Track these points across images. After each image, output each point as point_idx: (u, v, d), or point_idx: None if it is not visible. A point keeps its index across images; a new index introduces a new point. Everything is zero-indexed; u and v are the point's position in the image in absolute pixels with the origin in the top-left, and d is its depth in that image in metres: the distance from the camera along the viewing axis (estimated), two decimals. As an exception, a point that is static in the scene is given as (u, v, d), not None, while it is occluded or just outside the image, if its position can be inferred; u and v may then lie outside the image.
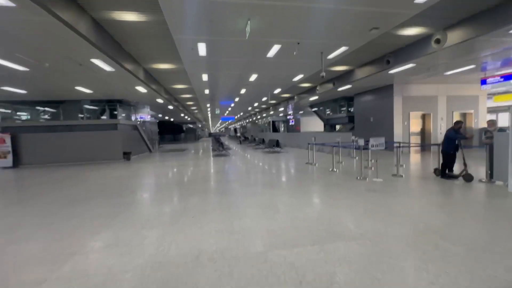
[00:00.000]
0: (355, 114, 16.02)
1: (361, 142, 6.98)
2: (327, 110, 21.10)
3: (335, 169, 8.36)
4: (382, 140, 6.84)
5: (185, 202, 5.37)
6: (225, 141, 35.48)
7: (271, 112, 28.97)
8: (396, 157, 7.68)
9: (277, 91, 16.07)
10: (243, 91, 15.88)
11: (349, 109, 18.18)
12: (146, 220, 4.41)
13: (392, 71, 9.99)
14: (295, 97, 18.66)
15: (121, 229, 3.95)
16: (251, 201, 5.28)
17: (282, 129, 43.45)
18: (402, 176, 7.22)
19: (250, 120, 45.43)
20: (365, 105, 15.00)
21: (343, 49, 8.30)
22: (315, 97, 17.25)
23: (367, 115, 14.86)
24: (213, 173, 8.56)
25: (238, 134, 40.67)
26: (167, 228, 4.00)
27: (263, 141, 19.30)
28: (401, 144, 8.70)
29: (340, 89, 13.83)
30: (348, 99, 17.88)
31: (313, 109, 23.63)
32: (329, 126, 20.67)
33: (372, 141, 6.73)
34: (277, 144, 15.35)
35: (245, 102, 22.28)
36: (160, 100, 16.49)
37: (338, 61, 10.18)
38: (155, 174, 9.06)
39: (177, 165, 11.36)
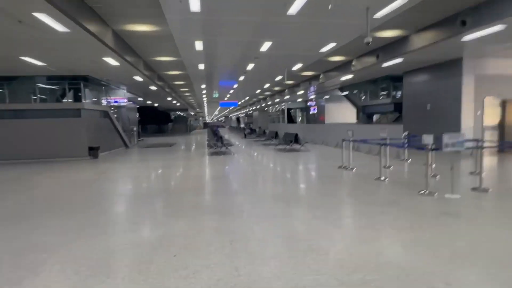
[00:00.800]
0: (404, 100, 14.94)
1: (429, 139, 5.96)
2: (363, 94, 20.00)
3: (382, 177, 7.39)
4: (461, 137, 5.80)
5: (165, 228, 4.48)
6: (225, 133, 34.77)
7: (287, 97, 27.99)
8: (477, 162, 6.64)
9: (297, 67, 15.11)
10: (250, 66, 14.98)
11: (395, 93, 17.10)
12: (98, 259, 3.52)
13: (466, 38, 8.83)
14: (321, 76, 17.62)
15: (54, 279, 3.08)
16: (266, 228, 4.35)
17: (300, 119, 42.36)
18: (487, 190, 6.19)
19: (258, 107, 44.56)
20: (419, 87, 13.89)
21: (399, 2, 7.23)
22: (349, 76, 16.18)
23: (421, 102, 13.75)
24: (208, 181, 7.73)
25: (243, 125, 39.85)
26: (131, 276, 3.12)
27: (275, 135, 18.37)
28: (483, 143, 7.63)
29: (385, 64, 12.72)
30: (394, 79, 16.78)
31: (344, 93, 22.52)
32: (365, 115, 19.65)
33: (447, 138, 5.70)
34: (295, 139, 14.41)
35: (252, 82, 21.39)
36: (138, 78, 15.68)
37: (386, 23, 9.02)
38: (129, 179, 8.29)
39: (161, 166, 10.61)
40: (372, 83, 18.46)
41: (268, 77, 19.14)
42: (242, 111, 66.51)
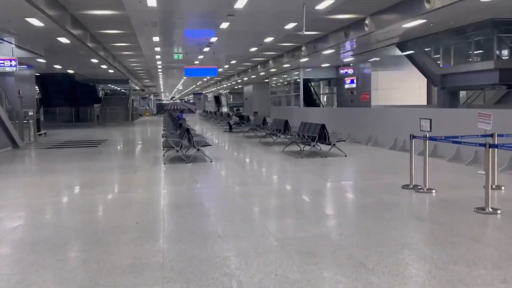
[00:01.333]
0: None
1: None
2: (442, 54, 19.39)
3: (488, 208, 6.81)
4: None
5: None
6: (195, 124, 34.14)
7: (304, 60, 27.41)
8: None
9: (324, 4, 14.52)
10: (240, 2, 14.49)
11: (501, 51, 16.64)
12: None
13: None
14: (366, 22, 17.09)
15: None
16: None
17: (325, 99, 41.67)
18: None
19: (253, 77, 43.93)
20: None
21: None
22: (418, 22, 15.61)
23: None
24: (164, 214, 7.10)
25: (224, 109, 39.40)
26: None
27: (285, 128, 17.75)
28: None
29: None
30: (501, 27, 16.33)
31: (406, 52, 21.99)
32: (446, 92, 19.11)
33: None
34: (321, 135, 13.81)
35: (243, 34, 20.78)
36: (35, 21, 15.01)
37: None
38: (14, 211, 7.61)
39: (78, 185, 10.07)
40: (460, 34, 17.95)
41: (271, 24, 18.59)
42: (224, 85, 65.94)
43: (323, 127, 14.00)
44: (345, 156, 13.69)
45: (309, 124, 15.14)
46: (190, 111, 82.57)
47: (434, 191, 8.21)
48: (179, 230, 6.00)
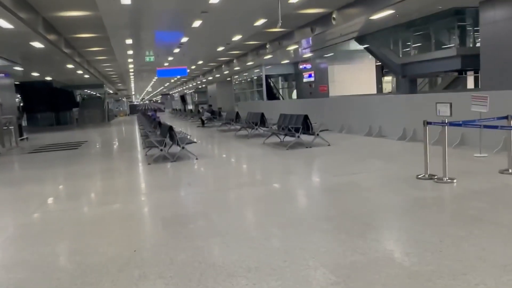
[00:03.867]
0: (483, 51, 13.06)
1: None
2: (404, 45, 17.85)
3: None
4: None
5: None
6: (166, 120, 31.55)
7: (267, 57, 25.38)
8: None
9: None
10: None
11: (462, 39, 15.26)
12: None
13: None
14: (334, 16, 15.22)
15: None
16: None
17: (283, 92, 39.83)
18: None
19: (217, 76, 41.65)
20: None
21: None
22: (387, 12, 13.91)
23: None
24: (157, 230, 5.01)
25: (201, 108, 37.02)
26: None
27: (261, 121, 15.78)
28: None
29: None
30: (461, 16, 14.90)
31: (365, 46, 20.35)
32: (407, 80, 17.62)
33: None
34: (305, 126, 11.93)
35: (215, 32, 18.59)
36: (5, 24, 12.38)
37: None
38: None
39: (54, 194, 7.65)
40: (420, 25, 16.45)
41: (241, 21, 16.54)
42: (190, 85, 63.14)
43: (306, 118, 12.09)
44: (329, 145, 11.86)
45: (289, 115, 13.20)
46: (160, 110, 79.64)
47: (455, 180, 6.42)
48: (191, 261, 3.87)
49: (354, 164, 8.97)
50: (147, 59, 25.47)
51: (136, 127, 28.51)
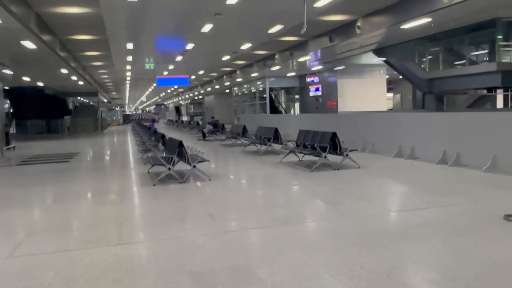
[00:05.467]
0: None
1: None
2: (430, 58, 16.38)
3: None
4: None
5: None
6: (163, 131, 29.81)
7: (275, 68, 23.90)
8: None
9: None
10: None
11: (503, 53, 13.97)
12: None
13: None
14: (359, 24, 13.80)
15: None
16: None
17: (286, 106, 38.27)
18: None
19: (216, 88, 40.14)
20: None
21: None
22: (425, 20, 12.43)
23: None
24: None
25: (200, 120, 35.53)
26: None
27: (274, 135, 14.27)
28: None
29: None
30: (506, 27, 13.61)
31: (384, 59, 18.97)
32: (433, 97, 16.17)
33: None
34: (332, 145, 10.37)
35: (224, 38, 17.10)
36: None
37: None
38: None
39: (42, 225, 5.96)
40: (453, 36, 15.06)
41: (256, 26, 15.08)
42: (186, 96, 61.64)
43: (334, 135, 10.54)
44: (359, 167, 10.34)
45: (312, 132, 11.65)
46: (154, 121, 78.21)
47: None
48: None
49: (408, 195, 7.40)
50: (147, 66, 24.00)
51: (132, 138, 26.84)
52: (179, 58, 22.25)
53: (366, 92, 25.29)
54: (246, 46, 18.98)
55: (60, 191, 8.92)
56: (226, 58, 22.91)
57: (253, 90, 36.45)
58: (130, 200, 7.79)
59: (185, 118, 72.29)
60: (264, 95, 32.59)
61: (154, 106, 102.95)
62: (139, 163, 13.27)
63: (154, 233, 5.44)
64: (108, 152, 19.60)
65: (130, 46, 17.86)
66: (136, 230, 5.74)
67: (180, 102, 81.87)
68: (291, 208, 6.67)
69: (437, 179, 8.97)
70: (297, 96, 34.18)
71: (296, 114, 32.89)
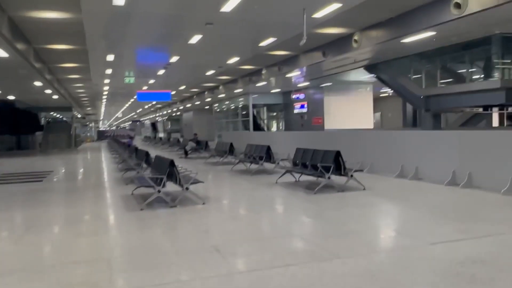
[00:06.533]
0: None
1: None
2: (428, 74, 15.90)
3: None
4: None
5: None
6: (136, 144, 28.57)
7: (260, 84, 23.17)
8: None
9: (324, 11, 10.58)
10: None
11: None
12: None
13: None
14: (356, 38, 13.20)
15: None
16: None
17: (268, 123, 37.56)
18: None
19: (196, 103, 39.18)
20: None
21: None
22: (428, 34, 11.87)
23: None
24: None
25: (181, 137, 34.44)
26: None
27: (266, 153, 13.45)
28: None
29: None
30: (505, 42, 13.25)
31: (376, 75, 18.46)
32: (430, 114, 15.62)
33: None
34: (335, 165, 9.59)
35: (212, 50, 16.24)
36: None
37: None
38: None
39: (6, 270, 4.81)
40: (453, 52, 14.68)
41: (247, 38, 14.34)
42: (164, 112, 60.34)
43: (337, 154, 9.74)
44: (364, 189, 9.57)
45: (312, 150, 10.83)
46: (132, 137, 76.54)
47: None
48: None
49: (433, 223, 6.59)
50: (126, 80, 22.93)
51: (109, 155, 25.53)
52: (161, 72, 21.27)
53: (353, 110, 24.86)
54: (233, 60, 18.20)
55: (32, 218, 7.76)
56: (210, 72, 22.05)
57: (235, 107, 35.68)
58: (116, 229, 6.74)
59: (161, 135, 70.94)
60: (247, 112, 31.82)
61: (130, 122, 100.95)
62: (120, 183, 12.19)
63: (152, 274, 4.43)
64: (85, 170, 18.32)
65: (110, 57, 16.80)
66: (129, 270, 4.73)
67: (157, 118, 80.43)
68: (308, 240, 5.77)
69: (455, 203, 8.25)
70: (280, 113, 33.59)
71: (279, 131, 32.20)
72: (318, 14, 10.96)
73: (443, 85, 15.73)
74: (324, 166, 9.54)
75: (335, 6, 10.34)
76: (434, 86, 15.78)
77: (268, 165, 13.66)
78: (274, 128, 36.08)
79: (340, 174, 9.77)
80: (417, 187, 10.11)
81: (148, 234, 6.30)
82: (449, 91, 15.06)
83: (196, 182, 8.67)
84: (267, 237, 6.04)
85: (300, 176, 11.36)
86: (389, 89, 28.73)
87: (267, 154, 13.55)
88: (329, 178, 9.47)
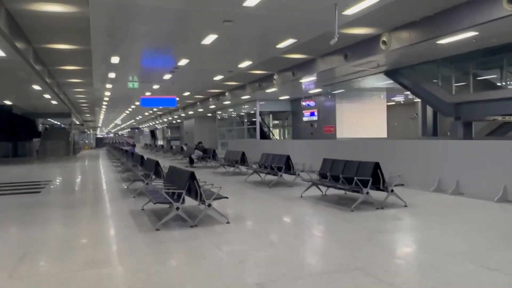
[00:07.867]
0: None
1: None
2: (460, 79, 14.76)
3: None
4: None
5: None
6: (138, 150, 27.37)
7: (270, 90, 22.08)
8: None
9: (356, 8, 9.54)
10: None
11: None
12: None
13: None
14: (384, 38, 12.16)
15: None
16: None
17: (272, 131, 36.38)
18: None
19: (199, 111, 38.10)
20: None
21: None
22: (464, 35, 10.83)
23: None
24: None
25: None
26: None
27: (286, 164, 12.37)
28: None
29: None
30: None
31: (399, 81, 17.40)
32: (461, 123, 14.56)
33: None
34: (374, 179, 8.46)
35: (224, 53, 15.19)
36: None
37: None
38: None
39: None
40: (489, 55, 13.69)
41: (266, 38, 13.28)
42: (164, 119, 59.23)
43: (376, 166, 8.62)
44: (405, 205, 8.47)
45: (344, 162, 9.70)
46: (134, 145, 75.55)
47: None
48: None
49: (495, 247, 5.46)
50: (130, 85, 21.82)
51: (109, 163, 24.39)
52: (167, 76, 20.20)
53: (367, 118, 23.83)
54: (245, 64, 17.13)
55: (29, 241, 6.55)
56: (219, 77, 20.98)
57: (241, 114, 34.59)
58: (130, 257, 5.54)
59: (160, 142, 69.84)
60: (253, 119, 30.73)
61: (129, 130, 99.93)
62: (126, 195, 11.08)
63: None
64: (86, 180, 17.14)
65: (115, 60, 15.70)
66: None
67: (156, 126, 79.30)
68: (377, 276, 4.57)
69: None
70: (285, 121, 32.54)
71: (287, 139, 31.11)
72: (350, 11, 9.91)
73: (475, 92, 14.66)
74: (360, 179, 8.43)
75: (370, 1, 9.30)
76: (466, 93, 14.73)
77: (286, 176, 12.53)
78: (276, 137, 35.03)
79: (378, 189, 8.67)
80: (463, 204, 9.01)
81: (172, 265, 5.16)
82: (483, 97, 14.01)
83: (219, 197, 7.54)
84: (322, 270, 4.88)
85: (326, 190, 10.25)
86: (397, 98, 27.88)
87: (287, 165, 12.45)
88: (367, 193, 8.36)
